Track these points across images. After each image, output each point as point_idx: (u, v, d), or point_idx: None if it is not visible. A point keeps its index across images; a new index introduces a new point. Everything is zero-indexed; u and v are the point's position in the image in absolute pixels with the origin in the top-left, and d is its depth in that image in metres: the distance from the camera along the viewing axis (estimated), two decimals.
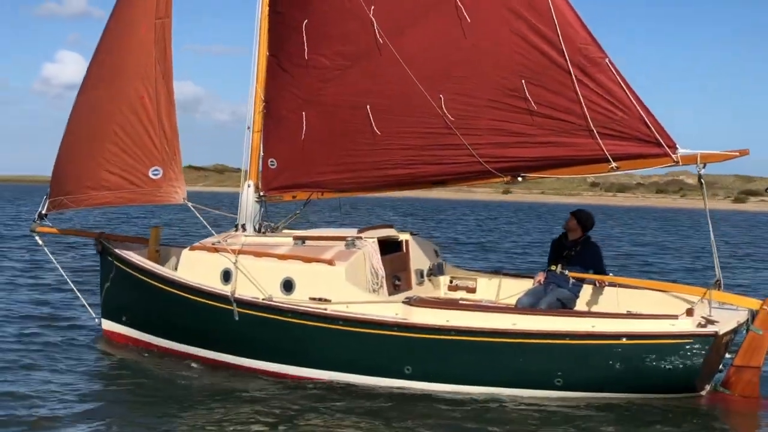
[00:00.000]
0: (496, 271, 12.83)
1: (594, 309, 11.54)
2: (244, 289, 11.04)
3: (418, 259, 12.36)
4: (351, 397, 10.26)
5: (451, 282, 12.66)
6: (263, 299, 10.89)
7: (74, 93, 12.34)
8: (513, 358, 10.12)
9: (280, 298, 10.89)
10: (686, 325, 9.83)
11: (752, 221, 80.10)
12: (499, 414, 9.80)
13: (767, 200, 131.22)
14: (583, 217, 11.65)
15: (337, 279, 10.73)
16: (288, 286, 10.93)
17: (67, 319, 14.68)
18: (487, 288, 12.41)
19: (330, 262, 10.85)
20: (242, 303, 10.95)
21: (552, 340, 10.01)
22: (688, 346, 9.76)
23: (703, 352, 9.75)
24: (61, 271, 13.73)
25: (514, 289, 12.00)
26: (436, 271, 12.51)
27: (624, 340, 9.87)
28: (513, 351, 10.10)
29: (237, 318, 10.97)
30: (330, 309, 10.61)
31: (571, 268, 11.47)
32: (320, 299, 10.73)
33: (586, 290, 11.66)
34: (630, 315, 10.57)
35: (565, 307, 11.31)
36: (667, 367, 9.84)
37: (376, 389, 10.46)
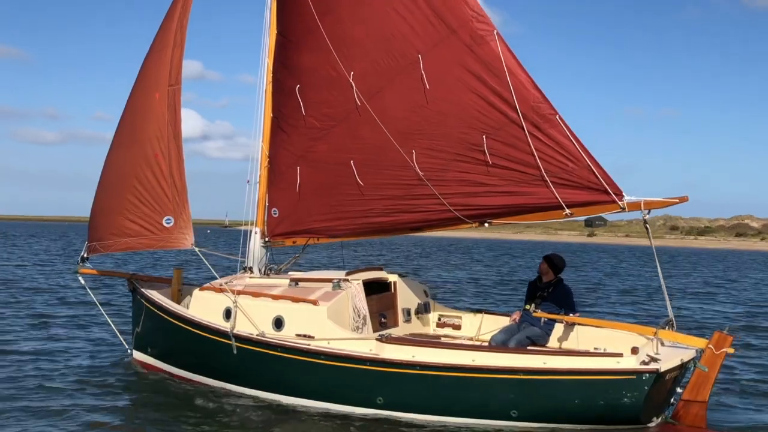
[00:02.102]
0: (480, 310, 13.07)
1: (564, 346, 11.71)
2: (242, 325, 11.56)
3: (406, 298, 12.72)
4: (330, 425, 10.61)
5: (439, 320, 12.99)
6: (257, 335, 11.41)
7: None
8: (472, 391, 10.30)
9: (271, 334, 11.37)
10: (630, 363, 9.89)
11: None
12: None
13: None
14: (554, 261, 11.89)
15: (320, 317, 11.15)
16: (278, 323, 11.43)
17: (104, 350, 15.50)
18: (471, 325, 12.70)
19: (314, 302, 11.29)
20: (239, 338, 11.47)
21: (507, 375, 10.16)
22: (631, 382, 9.81)
23: (646, 387, 9.78)
24: (100, 307, 14.58)
25: (494, 326, 12.25)
26: (422, 309, 12.85)
27: (572, 376, 10.03)
28: (472, 384, 10.31)
29: (235, 351, 11.57)
30: (313, 344, 11.01)
31: (544, 307, 11.70)
32: (305, 335, 11.19)
33: (558, 328, 11.85)
34: (579, 352, 10.70)
35: (534, 343, 11.51)
36: (613, 400, 9.88)
37: (353, 418, 10.77)
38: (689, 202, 10.58)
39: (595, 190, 10.62)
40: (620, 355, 10.01)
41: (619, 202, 10.53)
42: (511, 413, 10.25)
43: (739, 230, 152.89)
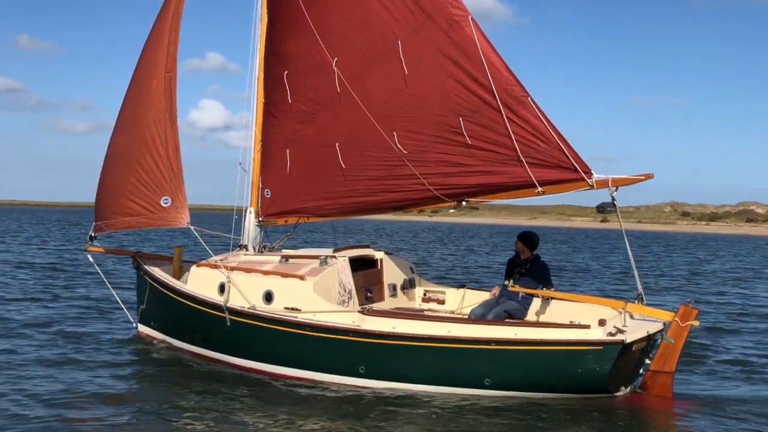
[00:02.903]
0: (462, 285, 13.28)
1: (540, 319, 11.88)
2: (235, 299, 11.88)
3: (392, 274, 12.94)
4: (315, 393, 10.87)
5: (424, 295, 13.23)
6: (248, 308, 11.72)
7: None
8: (447, 361, 10.53)
9: (261, 307, 11.67)
10: (597, 334, 10.04)
11: None
12: (434, 410, 10.16)
13: None
14: (527, 239, 12.06)
15: (307, 291, 11.42)
16: (268, 297, 11.72)
17: (112, 323, 16.01)
18: (454, 300, 12.91)
19: (302, 278, 11.56)
20: (232, 311, 11.78)
21: (480, 345, 10.37)
22: (598, 353, 9.98)
23: (612, 357, 9.95)
24: (107, 283, 15.04)
25: (475, 300, 12.45)
26: (408, 285, 13.09)
27: (542, 347, 10.22)
28: (447, 354, 10.53)
29: (229, 324, 11.89)
30: (300, 317, 11.30)
31: (522, 282, 11.88)
32: (293, 309, 11.48)
33: (536, 303, 12.01)
34: (549, 324, 10.87)
35: (512, 317, 11.70)
36: (581, 370, 10.05)
37: (337, 386, 11.04)
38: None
39: (565, 169, 10.72)
40: (588, 326, 10.17)
41: (588, 180, 10.62)
42: (485, 382, 10.45)
43: (748, 216, 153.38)
